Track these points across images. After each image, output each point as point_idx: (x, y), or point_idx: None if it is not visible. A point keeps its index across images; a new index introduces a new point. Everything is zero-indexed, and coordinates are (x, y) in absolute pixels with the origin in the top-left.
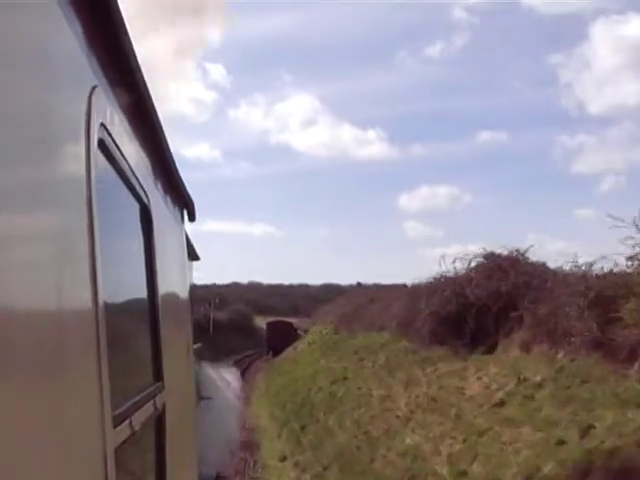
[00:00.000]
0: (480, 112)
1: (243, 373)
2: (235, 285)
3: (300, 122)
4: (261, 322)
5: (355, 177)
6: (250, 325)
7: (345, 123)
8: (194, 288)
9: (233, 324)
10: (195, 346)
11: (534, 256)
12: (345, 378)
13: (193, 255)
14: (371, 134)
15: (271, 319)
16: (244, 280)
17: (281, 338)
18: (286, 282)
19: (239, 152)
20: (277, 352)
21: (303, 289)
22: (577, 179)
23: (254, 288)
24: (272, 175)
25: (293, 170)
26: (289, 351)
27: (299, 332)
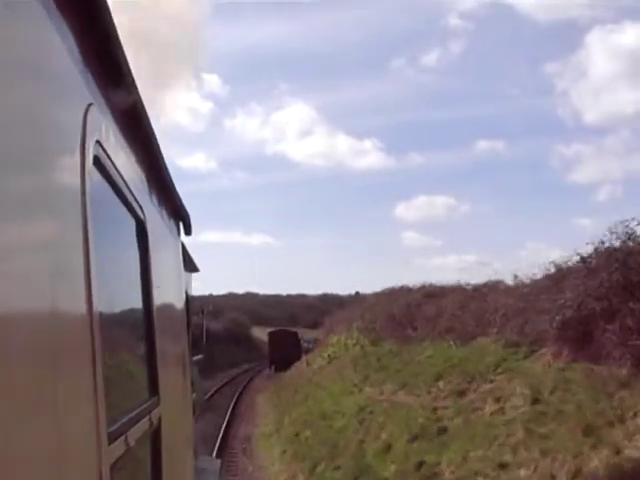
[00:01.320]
0: (477, 121)
1: (241, 393)
2: (232, 295)
3: (296, 132)
4: (259, 333)
5: (352, 187)
6: (247, 336)
7: (341, 133)
8: (192, 300)
9: (229, 335)
10: (196, 358)
11: None
12: (442, 431)
13: (192, 267)
14: (367, 144)
15: (272, 329)
16: (241, 291)
17: (285, 350)
18: (284, 292)
19: (235, 162)
20: (281, 366)
21: (301, 299)
22: (574, 188)
23: (251, 298)
24: (269, 185)
25: (290, 180)
26: (300, 368)
27: (303, 343)
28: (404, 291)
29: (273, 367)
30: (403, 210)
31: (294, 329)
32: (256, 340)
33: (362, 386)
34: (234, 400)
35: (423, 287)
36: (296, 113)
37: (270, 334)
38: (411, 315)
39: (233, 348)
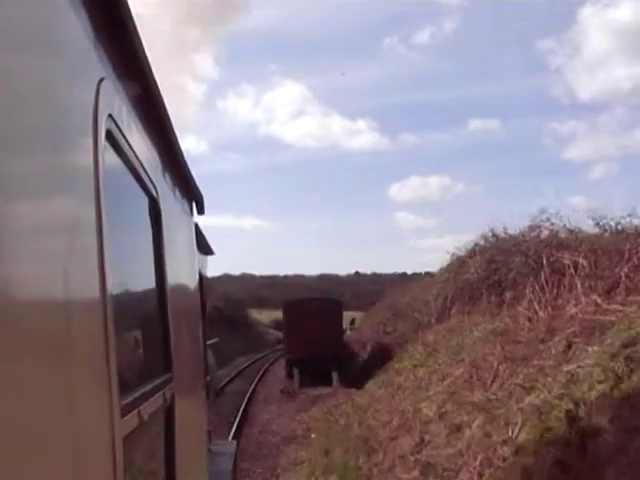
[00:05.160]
0: (470, 100)
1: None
2: (227, 277)
3: (289, 113)
4: (258, 316)
5: (346, 168)
6: (244, 318)
7: (334, 113)
8: (207, 281)
9: (223, 317)
10: (211, 341)
11: None
12: None
13: (207, 250)
14: (361, 124)
15: (291, 300)
16: (236, 272)
17: (317, 339)
18: (281, 273)
19: (227, 145)
20: (313, 374)
21: (299, 280)
22: (569, 166)
23: (247, 279)
24: (261, 167)
25: (283, 162)
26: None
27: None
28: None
29: (296, 375)
30: (397, 190)
31: (333, 298)
32: (256, 324)
33: None
34: None
35: None
36: (288, 94)
37: (288, 308)
38: None
39: (228, 334)
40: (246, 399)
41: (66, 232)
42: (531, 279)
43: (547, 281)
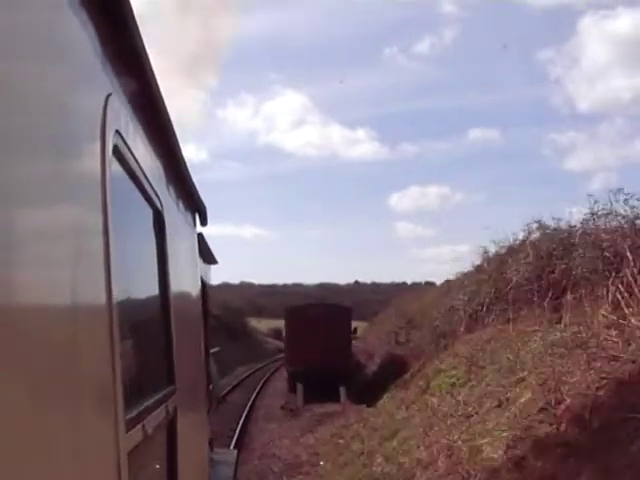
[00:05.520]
0: (470, 110)
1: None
2: (226, 285)
3: (288, 122)
4: (257, 324)
5: (345, 177)
6: (243, 327)
7: (334, 123)
8: (209, 290)
9: (222, 325)
10: (213, 350)
11: None
12: None
13: (211, 259)
14: (360, 133)
15: (293, 305)
16: (235, 281)
17: (323, 348)
18: (280, 282)
19: (227, 153)
20: (318, 387)
21: (298, 289)
22: (568, 176)
23: (246, 288)
24: (261, 176)
25: (283, 171)
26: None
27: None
28: None
29: (300, 390)
30: (397, 200)
31: (340, 304)
32: (255, 332)
33: None
34: None
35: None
36: (287, 103)
37: (290, 314)
38: None
39: (226, 343)
40: (243, 416)
41: (73, 241)
42: (612, 275)
43: (635, 279)
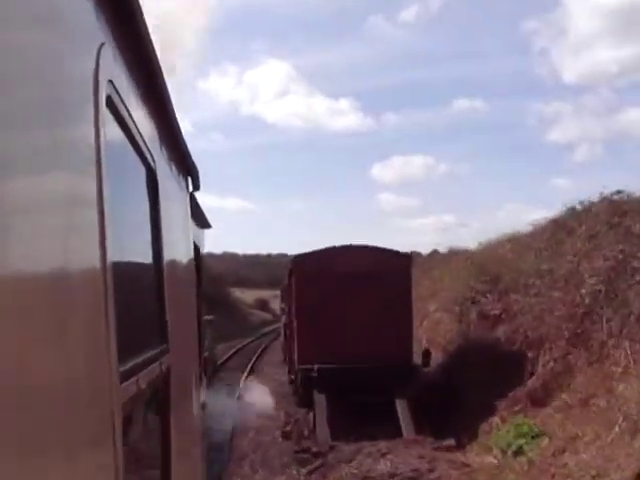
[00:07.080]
0: (455, 79)
1: None
2: (208, 255)
3: (272, 92)
4: (242, 295)
5: (329, 148)
6: (226, 297)
7: (318, 93)
8: (202, 255)
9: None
10: (207, 317)
11: None
12: None
13: (204, 223)
14: (344, 104)
15: (299, 253)
16: (218, 251)
17: (374, 331)
18: (264, 252)
19: (210, 124)
20: (355, 405)
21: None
22: (553, 148)
23: (229, 258)
24: (245, 148)
25: (266, 142)
26: None
27: None
28: None
29: (322, 409)
30: (380, 171)
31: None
32: (238, 304)
33: None
34: None
35: None
36: (271, 72)
37: (299, 271)
38: None
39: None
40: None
41: (67, 200)
42: None
43: None
